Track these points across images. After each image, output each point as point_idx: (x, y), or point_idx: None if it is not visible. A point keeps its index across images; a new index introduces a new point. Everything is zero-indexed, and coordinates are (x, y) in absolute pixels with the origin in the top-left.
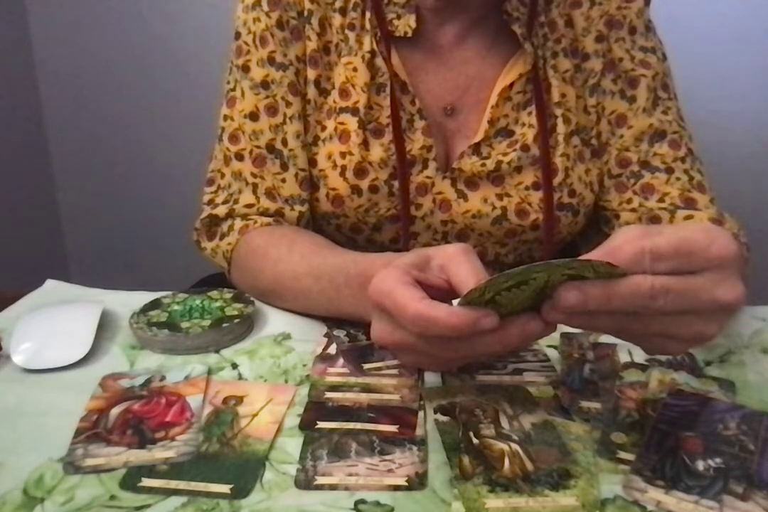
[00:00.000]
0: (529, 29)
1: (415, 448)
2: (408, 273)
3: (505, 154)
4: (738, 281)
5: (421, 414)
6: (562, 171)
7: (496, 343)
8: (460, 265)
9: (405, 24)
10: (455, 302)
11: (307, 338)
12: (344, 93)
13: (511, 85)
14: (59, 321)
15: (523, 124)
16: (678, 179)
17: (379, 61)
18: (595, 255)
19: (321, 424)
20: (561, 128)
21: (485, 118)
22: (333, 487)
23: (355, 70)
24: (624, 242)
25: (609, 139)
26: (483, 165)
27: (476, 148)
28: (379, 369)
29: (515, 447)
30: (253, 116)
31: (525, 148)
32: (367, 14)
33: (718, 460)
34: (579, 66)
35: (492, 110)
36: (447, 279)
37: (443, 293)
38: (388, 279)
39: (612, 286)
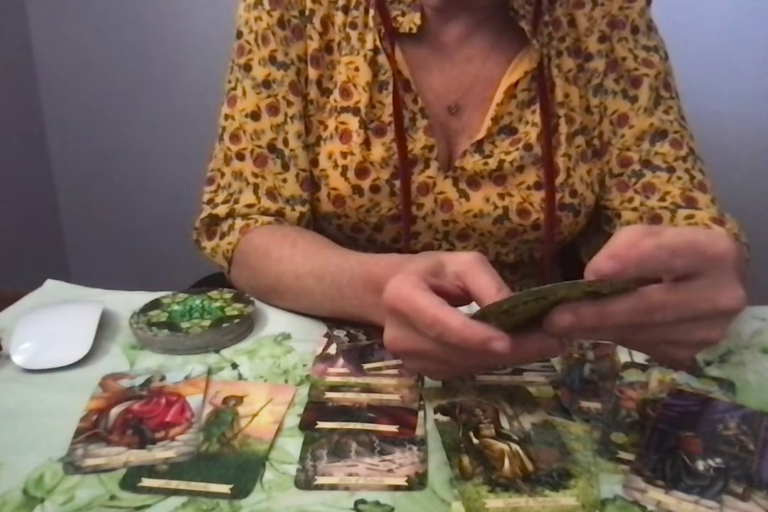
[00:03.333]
0: (534, 27)
1: (415, 448)
2: (425, 279)
3: (507, 153)
4: (737, 285)
5: (421, 414)
6: (563, 171)
7: (512, 358)
8: (479, 275)
9: (410, 21)
10: (464, 309)
11: (307, 338)
12: (345, 92)
13: (516, 82)
14: (59, 321)
15: (527, 123)
16: (679, 178)
17: (382, 59)
18: (610, 252)
19: (321, 424)
20: (563, 128)
21: (489, 115)
22: (333, 487)
23: (356, 69)
24: (635, 239)
25: (610, 139)
26: (485, 163)
27: (479, 146)
28: (379, 369)
29: (515, 447)
30: (255, 115)
31: (528, 146)
32: (371, 12)
33: (718, 460)
34: (582, 66)
35: (497, 108)
36: (462, 287)
37: (455, 299)
38: (405, 285)
39: (606, 306)
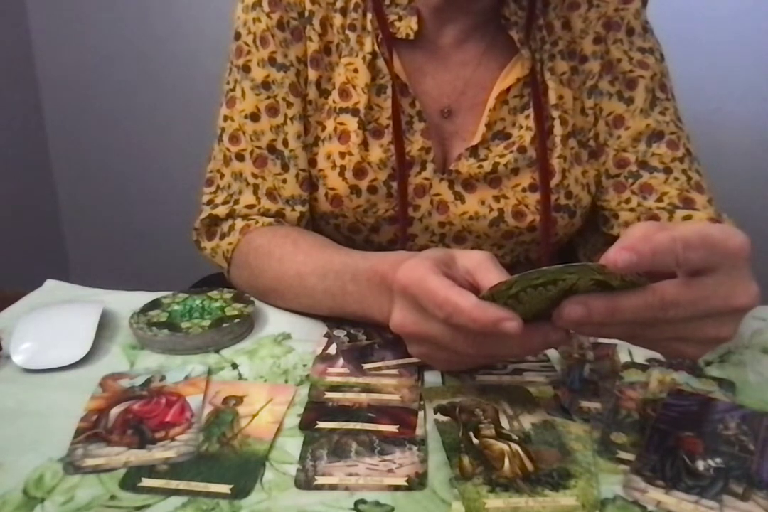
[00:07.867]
0: (527, 33)
1: (415, 448)
2: (438, 265)
3: (502, 156)
4: (751, 281)
5: (421, 414)
6: (559, 173)
7: (518, 347)
8: (491, 272)
9: (407, 26)
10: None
11: (307, 338)
12: (344, 93)
13: (509, 88)
14: (59, 321)
15: (521, 127)
16: (676, 179)
17: (380, 63)
18: (625, 244)
19: (321, 424)
20: (558, 130)
21: (483, 121)
22: (333, 487)
23: (355, 71)
24: (649, 233)
25: (606, 140)
26: (480, 167)
27: (473, 151)
28: (379, 369)
29: (515, 447)
30: (254, 117)
31: (522, 149)
32: (368, 15)
33: (718, 460)
34: (576, 68)
35: (489, 113)
36: (472, 282)
37: None
38: (419, 267)
39: (617, 300)
